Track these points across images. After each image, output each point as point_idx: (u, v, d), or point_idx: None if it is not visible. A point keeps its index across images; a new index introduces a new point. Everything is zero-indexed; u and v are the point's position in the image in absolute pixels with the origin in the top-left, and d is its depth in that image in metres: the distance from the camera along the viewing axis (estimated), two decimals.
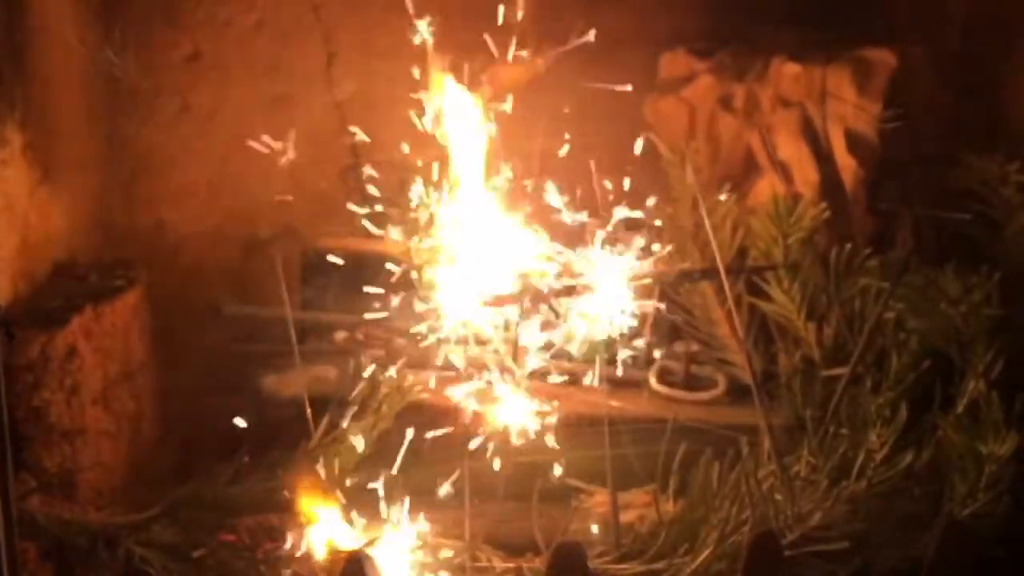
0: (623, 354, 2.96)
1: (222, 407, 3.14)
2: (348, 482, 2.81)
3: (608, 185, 3.17)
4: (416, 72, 3.08)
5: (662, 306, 3.05)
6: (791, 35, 3.28)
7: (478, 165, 3.19)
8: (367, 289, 3.14)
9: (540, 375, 3.08)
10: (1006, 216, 3.12)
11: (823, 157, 3.19)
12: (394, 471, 2.86)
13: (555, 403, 2.95)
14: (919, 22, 3.17)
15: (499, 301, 2.99)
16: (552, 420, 2.90)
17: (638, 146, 3.10)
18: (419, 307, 3.08)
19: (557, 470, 2.83)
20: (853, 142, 3.16)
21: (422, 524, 2.80)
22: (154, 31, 3.43)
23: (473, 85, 3.13)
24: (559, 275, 3.12)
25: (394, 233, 3.19)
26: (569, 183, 3.20)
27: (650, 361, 3.17)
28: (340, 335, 3.18)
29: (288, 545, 2.69)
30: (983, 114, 3.24)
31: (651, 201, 3.18)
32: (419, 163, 3.13)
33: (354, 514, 2.78)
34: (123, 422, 3.10)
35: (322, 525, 2.73)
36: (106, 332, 3.04)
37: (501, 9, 3.28)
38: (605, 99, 3.35)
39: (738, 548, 2.64)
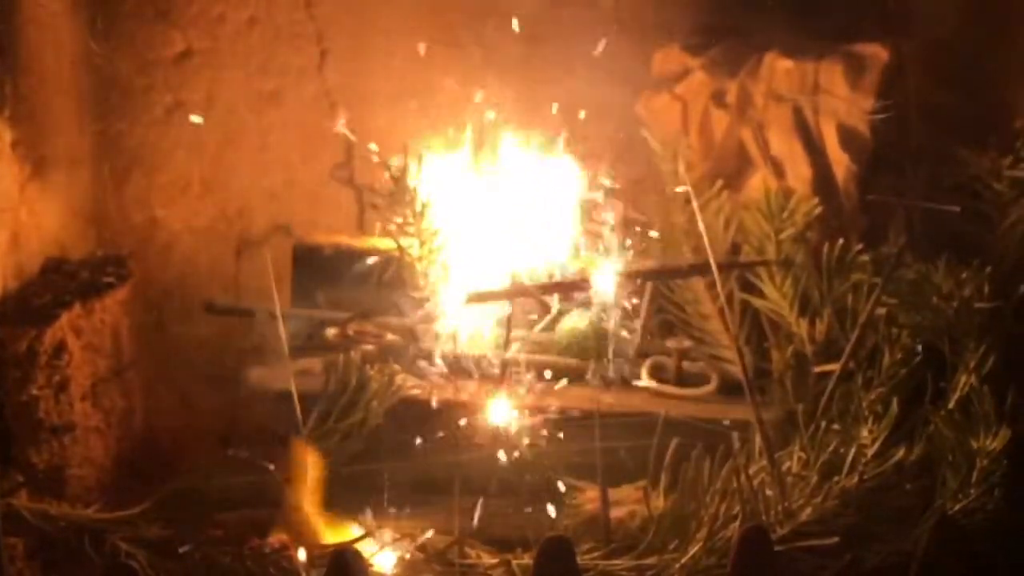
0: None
1: (211, 403, 3.15)
2: (337, 477, 2.80)
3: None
4: None
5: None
6: (784, 30, 3.27)
7: (471, 161, 3.20)
8: (358, 285, 3.14)
9: (530, 371, 3.08)
10: (998, 211, 3.11)
11: (816, 152, 3.18)
12: (384, 466, 2.86)
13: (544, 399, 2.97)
14: (911, 16, 3.15)
15: (486, 297, 2.99)
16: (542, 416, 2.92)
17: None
18: (410, 303, 3.09)
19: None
20: (846, 137, 3.15)
21: (411, 519, 2.79)
22: (146, 28, 3.42)
23: None
24: (549, 272, 3.14)
25: (386, 229, 3.19)
26: None
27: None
28: (331, 331, 3.16)
29: (274, 540, 2.67)
30: (976, 109, 3.22)
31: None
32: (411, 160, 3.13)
33: (342, 509, 2.78)
34: (112, 418, 3.09)
35: (309, 520, 2.73)
36: (95, 328, 3.03)
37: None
38: (599, 95, 3.36)
39: (728, 543, 2.62)
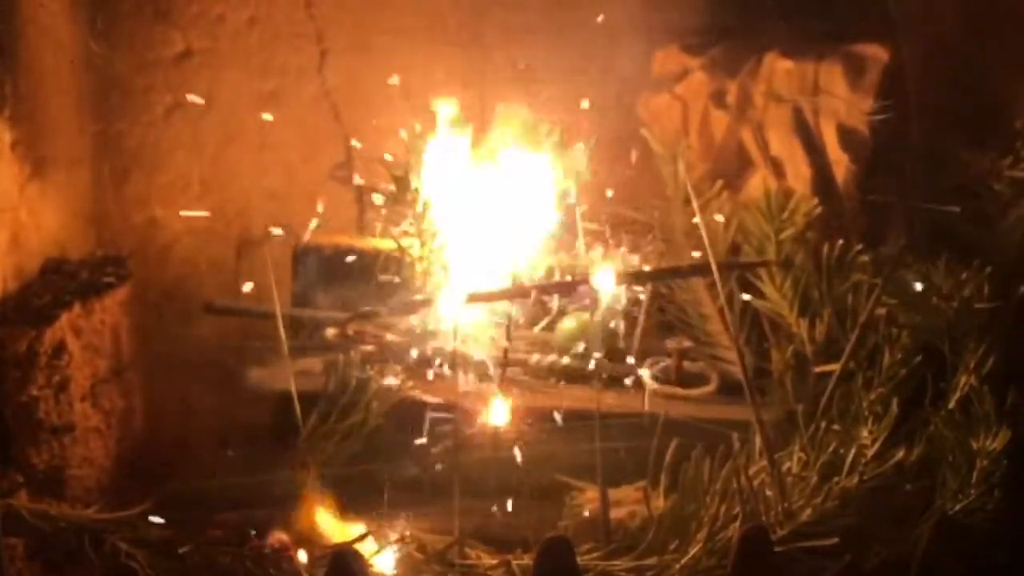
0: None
1: (211, 403, 3.15)
2: (336, 477, 2.80)
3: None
4: None
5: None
6: (784, 30, 3.27)
7: (471, 162, 3.20)
8: (358, 285, 3.14)
9: (529, 370, 3.09)
10: (998, 211, 3.11)
11: (816, 153, 3.18)
12: (383, 467, 2.86)
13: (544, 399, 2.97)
14: (911, 17, 3.15)
15: (486, 297, 2.99)
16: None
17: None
18: (409, 303, 3.09)
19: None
20: (846, 138, 3.15)
21: (411, 519, 2.79)
22: (146, 28, 3.43)
23: None
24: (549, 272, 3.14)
25: (385, 230, 3.20)
26: None
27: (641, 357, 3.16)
28: (331, 331, 3.16)
29: (275, 541, 2.67)
30: (975, 109, 3.22)
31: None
32: (412, 160, 3.14)
33: (342, 509, 2.78)
34: (112, 419, 3.09)
35: (310, 520, 2.73)
36: (95, 329, 3.03)
37: None
38: (599, 95, 3.36)
39: (728, 544, 2.62)
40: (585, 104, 3.28)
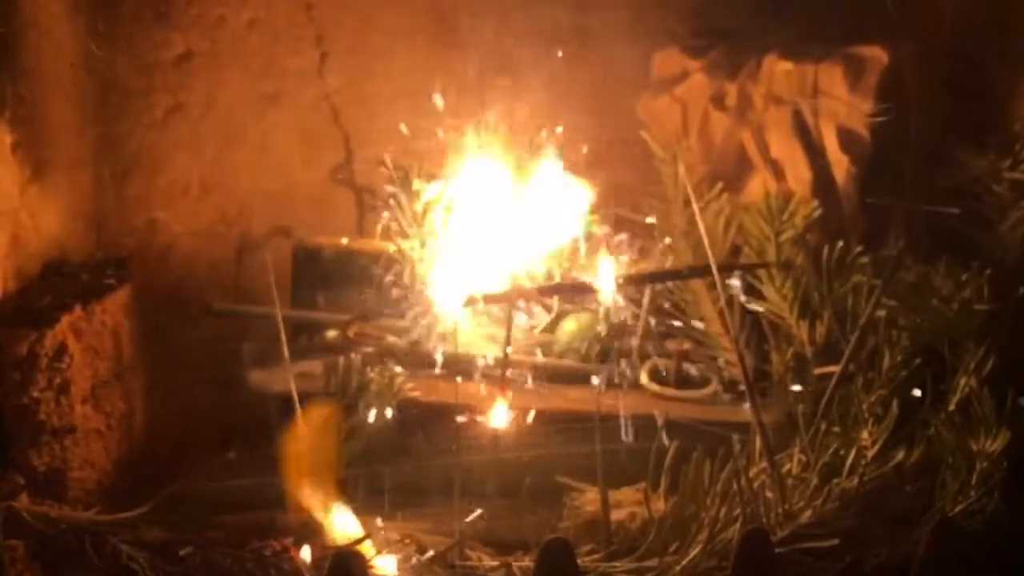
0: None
1: (212, 405, 3.15)
2: (337, 479, 2.81)
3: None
4: None
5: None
6: (783, 32, 3.27)
7: (470, 163, 3.21)
8: (358, 287, 3.15)
9: (530, 372, 3.09)
10: (998, 213, 3.12)
11: (815, 154, 3.19)
12: (384, 468, 2.86)
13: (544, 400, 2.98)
14: (911, 18, 3.15)
15: (486, 299, 2.99)
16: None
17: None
18: (410, 304, 3.10)
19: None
20: (845, 139, 3.15)
21: (411, 521, 2.79)
22: (146, 30, 3.42)
23: None
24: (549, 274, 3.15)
25: (385, 231, 3.20)
26: None
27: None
28: (331, 333, 3.17)
29: (275, 543, 2.67)
30: (975, 111, 3.22)
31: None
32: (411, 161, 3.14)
33: (343, 511, 2.78)
34: (113, 421, 3.09)
35: (310, 522, 2.73)
36: (96, 331, 3.03)
37: None
38: (598, 97, 3.37)
39: (729, 546, 2.62)
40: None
